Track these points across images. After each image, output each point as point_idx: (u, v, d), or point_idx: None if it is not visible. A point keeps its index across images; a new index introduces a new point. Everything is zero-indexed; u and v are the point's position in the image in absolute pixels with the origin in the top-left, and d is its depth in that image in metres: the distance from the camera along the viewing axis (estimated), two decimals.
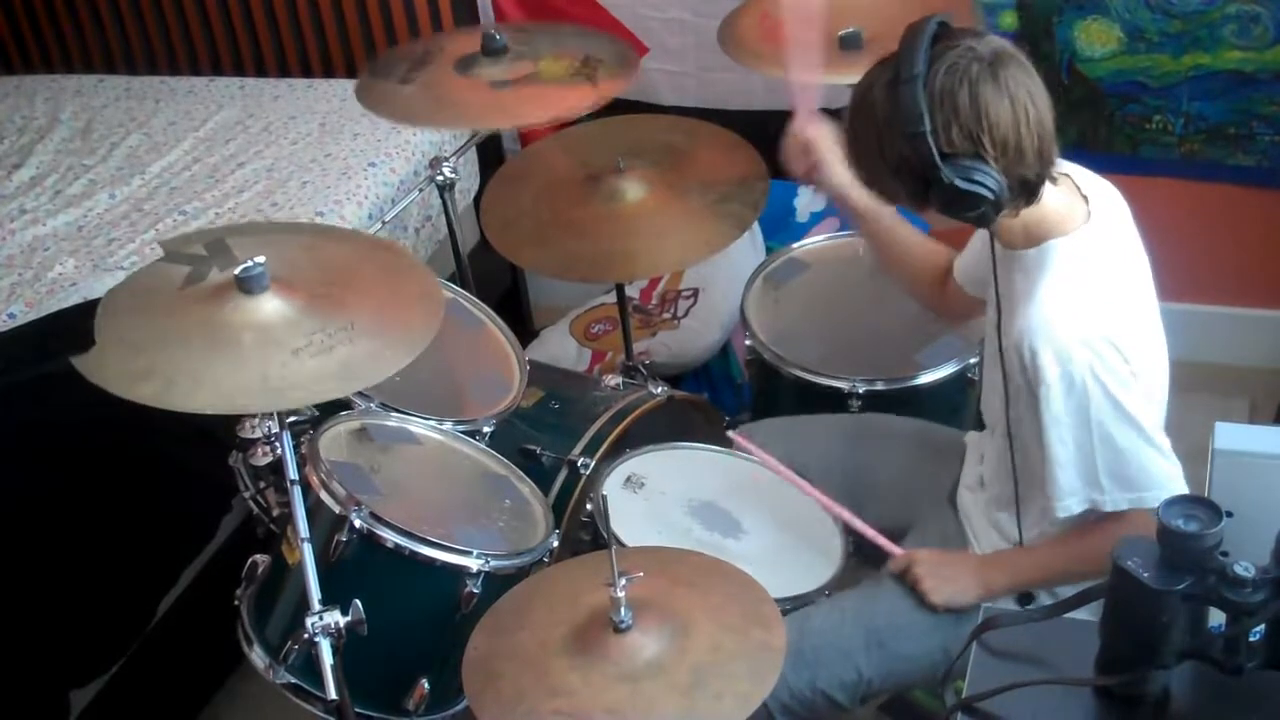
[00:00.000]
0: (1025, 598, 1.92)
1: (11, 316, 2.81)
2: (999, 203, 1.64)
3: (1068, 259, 1.75)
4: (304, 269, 1.84)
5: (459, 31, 2.94)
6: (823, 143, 2.05)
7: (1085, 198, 1.79)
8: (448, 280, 2.54)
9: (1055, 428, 1.73)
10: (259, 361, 1.69)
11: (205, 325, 1.73)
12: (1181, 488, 1.73)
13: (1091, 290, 1.75)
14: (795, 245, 2.68)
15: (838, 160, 1.99)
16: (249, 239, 1.85)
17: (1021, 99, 1.62)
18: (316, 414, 2.09)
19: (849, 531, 2.10)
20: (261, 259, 1.74)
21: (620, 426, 2.36)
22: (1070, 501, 1.77)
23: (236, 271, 1.73)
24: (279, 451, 2.00)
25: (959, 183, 1.61)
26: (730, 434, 2.21)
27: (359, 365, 1.71)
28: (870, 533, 2.05)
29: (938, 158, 1.61)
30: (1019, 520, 1.92)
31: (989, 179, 1.62)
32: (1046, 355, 1.70)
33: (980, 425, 2.11)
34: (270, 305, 1.74)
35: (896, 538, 2.11)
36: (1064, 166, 1.75)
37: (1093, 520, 1.79)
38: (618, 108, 2.44)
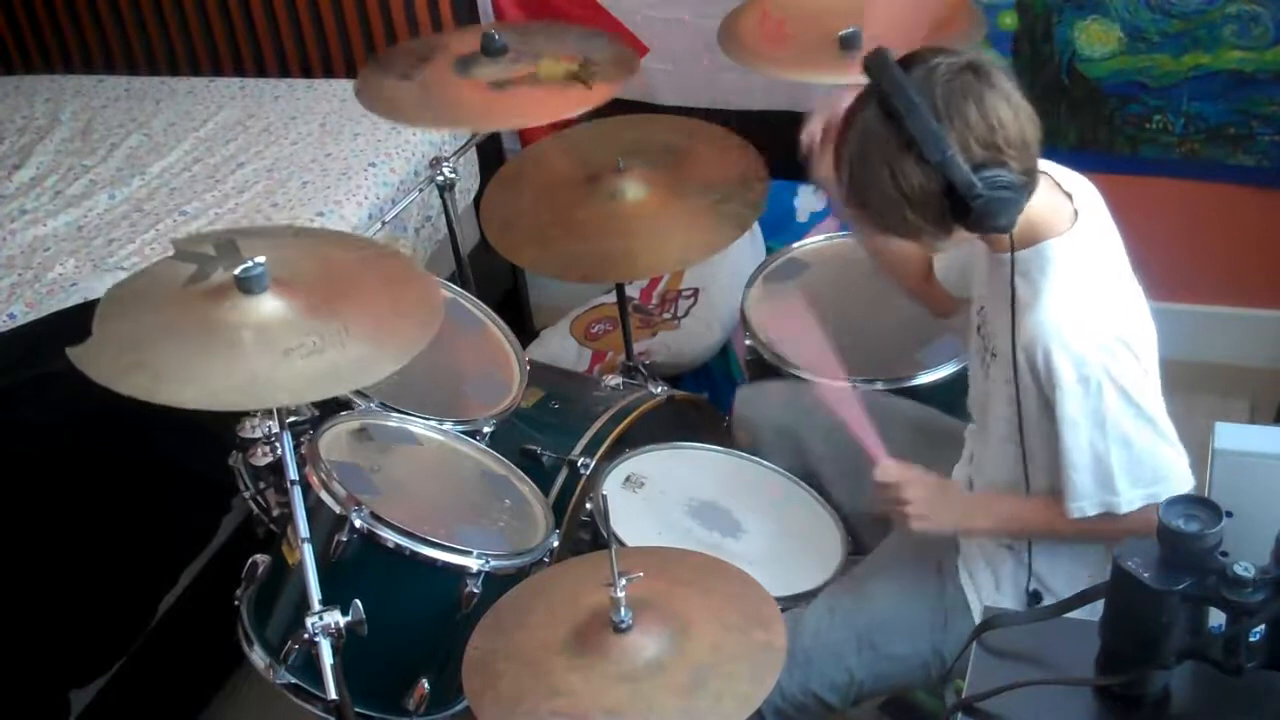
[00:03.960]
0: (1034, 597, 1.91)
1: (11, 317, 2.81)
2: (1022, 203, 1.63)
3: (1068, 260, 1.73)
4: (306, 271, 1.83)
5: (462, 30, 2.94)
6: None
7: (1068, 195, 1.78)
8: (448, 280, 2.54)
9: (1071, 432, 1.72)
10: (250, 360, 1.68)
11: (202, 323, 1.72)
12: (1189, 478, 1.73)
13: (1095, 290, 1.74)
14: (795, 245, 2.68)
15: None
16: (258, 241, 1.84)
17: (1014, 94, 1.62)
18: (316, 414, 2.09)
19: (847, 527, 2.10)
20: (262, 259, 1.73)
21: (620, 426, 2.37)
22: (1085, 504, 1.75)
23: (237, 271, 1.73)
24: (279, 452, 2.00)
25: (993, 193, 1.59)
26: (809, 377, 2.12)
27: (346, 369, 1.70)
28: (869, 435, 1.98)
29: (971, 175, 1.58)
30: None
31: (1013, 180, 1.60)
32: (1061, 359, 1.68)
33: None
34: (268, 305, 1.73)
35: (890, 523, 2.10)
36: (1040, 164, 1.72)
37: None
38: (618, 108, 2.44)
